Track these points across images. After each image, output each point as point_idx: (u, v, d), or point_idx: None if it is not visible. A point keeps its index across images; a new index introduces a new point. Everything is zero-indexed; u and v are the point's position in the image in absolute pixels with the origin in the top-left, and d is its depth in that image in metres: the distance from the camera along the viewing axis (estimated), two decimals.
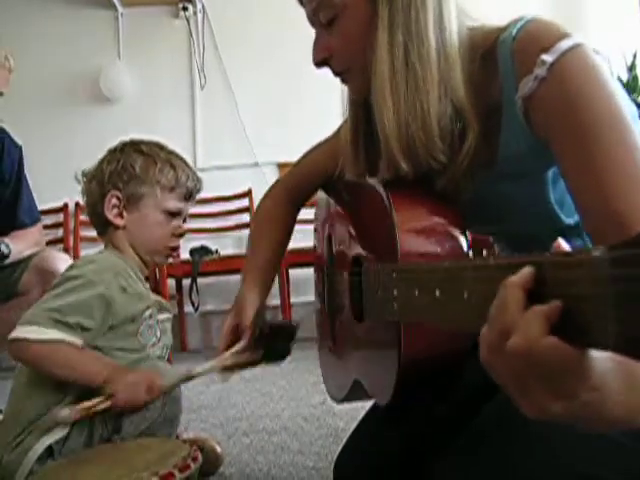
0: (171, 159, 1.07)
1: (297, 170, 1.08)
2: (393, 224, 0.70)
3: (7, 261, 1.68)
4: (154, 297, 1.08)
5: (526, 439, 0.58)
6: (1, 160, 1.79)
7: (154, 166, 1.04)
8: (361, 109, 0.82)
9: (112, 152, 1.07)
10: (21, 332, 0.91)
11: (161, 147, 1.09)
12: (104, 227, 1.06)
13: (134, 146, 1.07)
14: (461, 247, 0.70)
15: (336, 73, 0.82)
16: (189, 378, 0.92)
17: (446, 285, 0.49)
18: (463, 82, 0.72)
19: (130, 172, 1.03)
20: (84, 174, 1.09)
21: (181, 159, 1.10)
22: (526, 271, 0.38)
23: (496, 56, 0.71)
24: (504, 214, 0.76)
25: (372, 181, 0.80)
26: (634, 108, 0.68)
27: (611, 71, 0.66)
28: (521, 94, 0.67)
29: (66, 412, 0.85)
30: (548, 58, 0.64)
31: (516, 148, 0.71)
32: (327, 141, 1.03)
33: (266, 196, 1.09)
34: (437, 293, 0.50)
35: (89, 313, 0.94)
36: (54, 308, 0.93)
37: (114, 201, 1.03)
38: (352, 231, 0.90)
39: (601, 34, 2.95)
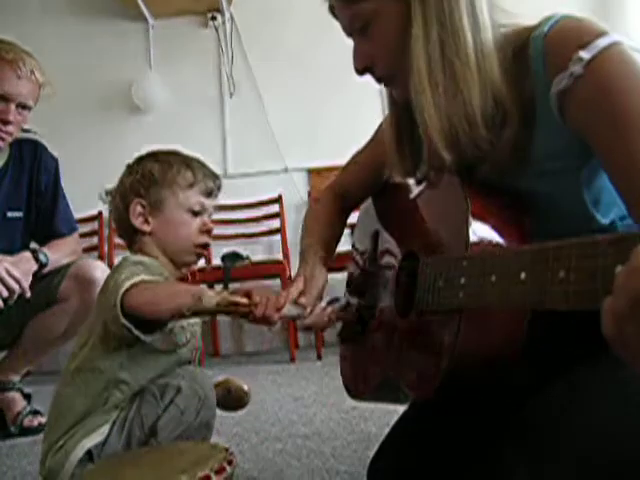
0: (186, 160, 1.10)
1: (343, 176, 1.10)
2: (466, 214, 0.69)
3: (45, 270, 1.73)
4: None
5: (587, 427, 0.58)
6: (38, 173, 1.84)
7: (170, 169, 1.07)
8: (402, 109, 0.83)
9: (130, 166, 1.11)
10: (127, 283, 0.92)
11: (177, 153, 1.12)
12: (133, 236, 1.08)
13: (150, 156, 1.11)
14: (528, 239, 0.70)
15: (379, 79, 0.82)
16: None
17: (537, 266, 0.49)
18: (500, 75, 0.72)
19: (149, 178, 1.06)
20: (107, 193, 1.12)
21: (197, 160, 1.12)
22: None
23: (528, 53, 0.71)
24: (541, 213, 0.75)
25: (439, 176, 0.81)
26: None
27: None
28: (556, 90, 0.67)
29: (212, 295, 0.86)
30: (585, 55, 0.64)
31: (551, 145, 0.71)
32: (368, 145, 1.04)
33: (316, 201, 1.11)
34: (522, 276, 0.50)
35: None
36: (134, 269, 0.96)
37: (138, 209, 1.06)
38: (405, 228, 0.90)
39: None
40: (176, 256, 1.08)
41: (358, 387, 1.00)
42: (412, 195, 0.90)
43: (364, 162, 1.05)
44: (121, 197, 1.08)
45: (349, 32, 0.82)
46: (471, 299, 0.60)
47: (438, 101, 0.73)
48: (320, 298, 0.94)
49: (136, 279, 0.93)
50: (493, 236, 0.70)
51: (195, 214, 1.08)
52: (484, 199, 0.74)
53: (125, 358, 0.97)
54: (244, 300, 0.86)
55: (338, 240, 1.08)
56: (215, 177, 1.12)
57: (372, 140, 1.04)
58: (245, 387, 1.17)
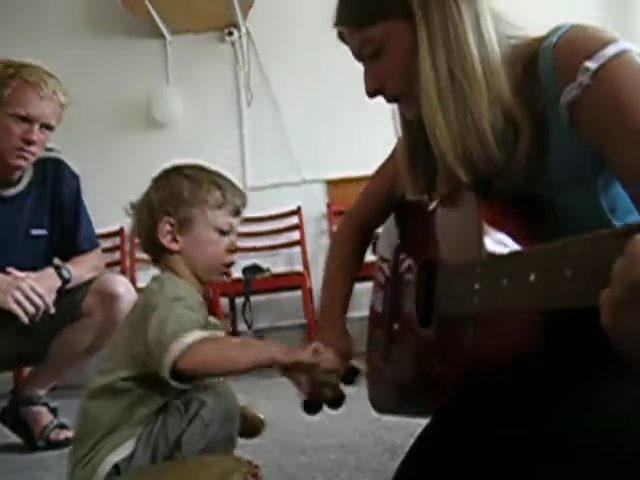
0: (215, 179, 1.09)
1: (362, 205, 1.11)
2: (480, 224, 0.70)
3: (69, 286, 1.75)
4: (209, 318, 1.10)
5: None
6: (61, 191, 1.87)
7: (200, 188, 1.06)
8: (416, 129, 0.83)
9: (157, 180, 1.10)
10: (177, 345, 0.90)
11: (203, 169, 1.11)
12: (159, 254, 1.08)
13: (178, 172, 1.09)
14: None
15: (390, 100, 0.83)
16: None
17: (544, 266, 0.49)
18: (510, 88, 0.72)
19: (178, 197, 1.05)
20: (132, 206, 1.11)
21: (224, 178, 1.12)
22: None
23: (538, 65, 0.71)
24: (558, 221, 0.75)
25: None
26: None
27: None
28: (565, 101, 0.67)
29: (284, 356, 0.88)
30: (592, 65, 0.64)
31: (565, 156, 0.71)
32: (383, 167, 1.05)
33: (335, 237, 1.14)
34: (531, 277, 0.50)
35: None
36: (180, 314, 0.94)
37: (167, 227, 1.05)
38: (424, 238, 0.90)
39: None
40: (204, 274, 1.08)
41: (382, 400, 1.00)
42: (430, 206, 0.91)
43: (380, 190, 1.06)
44: (149, 213, 1.07)
45: (359, 57, 0.83)
46: (485, 304, 0.60)
47: (449, 122, 0.73)
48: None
49: (187, 339, 0.90)
50: (510, 244, 0.70)
51: (223, 233, 1.08)
52: (500, 209, 0.74)
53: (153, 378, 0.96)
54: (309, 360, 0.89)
55: (353, 285, 1.11)
56: (242, 195, 1.12)
57: (386, 164, 1.04)
58: (261, 416, 1.16)
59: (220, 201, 1.07)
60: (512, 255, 0.59)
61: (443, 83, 0.73)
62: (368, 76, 0.82)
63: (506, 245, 0.70)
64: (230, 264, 1.11)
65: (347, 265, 1.11)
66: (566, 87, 0.67)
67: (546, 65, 0.70)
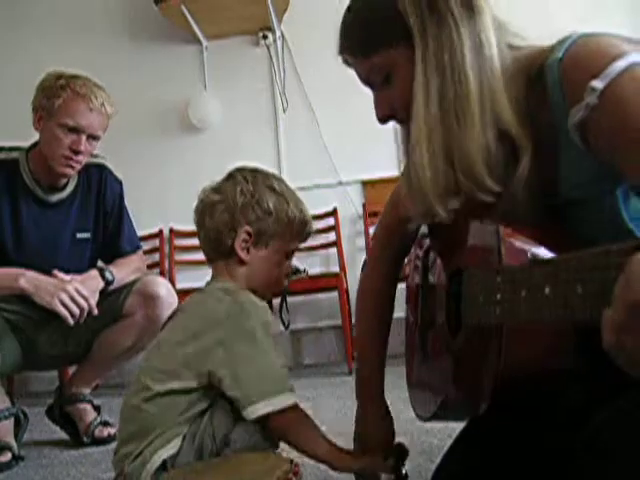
0: (299, 202, 1.07)
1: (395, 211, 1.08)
2: (497, 230, 0.69)
3: (111, 287, 1.81)
4: None
5: None
6: (104, 195, 1.93)
7: (287, 207, 1.03)
8: None
9: (241, 181, 1.04)
10: (278, 402, 0.94)
11: (286, 184, 1.09)
12: (223, 256, 1.04)
13: (264, 179, 1.05)
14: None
15: (401, 122, 0.82)
16: None
17: (558, 280, 0.48)
18: (510, 107, 0.70)
19: (264, 209, 1.01)
20: (205, 191, 1.06)
21: (302, 201, 1.09)
22: None
23: (545, 81, 0.69)
24: (577, 236, 0.73)
25: None
26: None
27: None
28: (573, 122, 0.65)
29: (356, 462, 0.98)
30: (598, 85, 0.62)
31: (578, 173, 0.69)
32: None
33: (372, 253, 1.12)
34: (547, 290, 0.49)
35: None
36: (267, 374, 0.95)
37: (245, 236, 1.01)
38: (452, 245, 0.90)
39: None
40: (259, 291, 1.05)
41: (421, 411, 1.00)
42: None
43: (400, 212, 1.04)
44: (230, 214, 1.01)
45: (367, 84, 0.82)
46: (506, 315, 0.60)
47: (432, 154, 0.71)
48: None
49: (287, 402, 0.94)
50: (530, 253, 0.69)
51: (288, 257, 1.07)
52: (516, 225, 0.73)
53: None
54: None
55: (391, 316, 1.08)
56: (311, 220, 1.09)
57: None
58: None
59: (299, 227, 1.05)
60: (529, 267, 0.57)
61: (432, 108, 0.71)
62: (378, 102, 0.82)
63: (526, 254, 0.69)
64: (283, 288, 1.10)
65: (381, 311, 1.07)
66: (574, 107, 0.65)
67: (553, 81, 0.68)
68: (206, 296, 1.03)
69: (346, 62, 0.84)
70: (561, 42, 0.68)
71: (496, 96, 0.70)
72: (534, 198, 0.72)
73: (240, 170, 1.07)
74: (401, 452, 1.00)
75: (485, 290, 0.66)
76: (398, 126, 0.86)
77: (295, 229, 1.05)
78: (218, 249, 1.04)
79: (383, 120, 0.82)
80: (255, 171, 1.07)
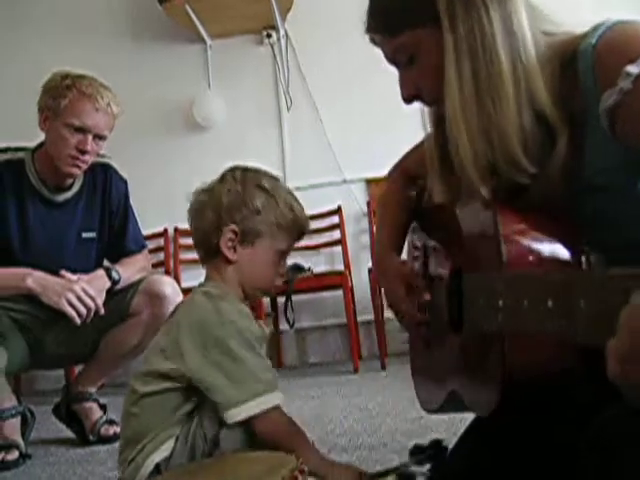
0: (291, 201, 1.05)
1: (412, 159, 1.09)
2: (498, 233, 0.69)
3: (117, 287, 1.81)
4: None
5: None
6: (110, 195, 1.94)
7: (276, 207, 1.02)
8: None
9: (230, 181, 1.04)
10: (257, 406, 0.94)
11: (279, 183, 1.07)
12: (212, 256, 1.05)
13: (254, 178, 1.04)
14: (568, 257, 0.69)
15: (429, 105, 0.83)
16: None
17: (561, 295, 0.48)
18: (545, 88, 0.70)
19: (250, 208, 1.01)
20: (196, 192, 1.07)
21: (297, 199, 1.08)
22: None
23: (576, 67, 0.69)
24: (596, 227, 0.73)
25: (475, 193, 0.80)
26: None
27: None
28: (605, 106, 0.65)
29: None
30: (634, 70, 0.62)
31: (604, 160, 0.69)
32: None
33: (387, 183, 1.14)
34: (549, 304, 0.48)
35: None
36: (240, 380, 0.94)
37: (230, 235, 1.01)
38: (452, 245, 0.90)
39: None
40: (251, 291, 1.06)
41: (427, 404, 1.00)
42: (456, 211, 0.90)
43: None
44: (215, 215, 1.02)
45: (393, 63, 0.83)
46: (509, 323, 0.59)
47: (471, 135, 0.72)
48: None
49: (267, 404, 0.94)
50: (539, 251, 0.69)
51: (281, 255, 1.06)
52: (528, 215, 0.73)
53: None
54: None
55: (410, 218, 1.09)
56: (308, 219, 1.09)
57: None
58: None
59: (290, 225, 1.04)
60: (534, 276, 0.57)
61: (467, 90, 0.71)
62: (403, 82, 0.82)
63: (535, 255, 0.68)
64: (273, 288, 1.09)
65: (403, 200, 1.08)
66: (606, 92, 0.65)
67: (585, 66, 0.68)
68: (190, 301, 1.03)
69: (373, 41, 0.84)
70: (595, 28, 0.69)
71: (531, 76, 0.70)
72: (567, 182, 0.72)
73: (232, 170, 1.07)
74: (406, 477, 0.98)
75: (486, 294, 0.66)
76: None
77: (285, 228, 1.04)
78: (207, 249, 1.05)
79: (408, 100, 0.83)
80: (247, 170, 1.07)
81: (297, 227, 1.06)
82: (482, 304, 0.68)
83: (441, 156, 0.84)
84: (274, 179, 1.07)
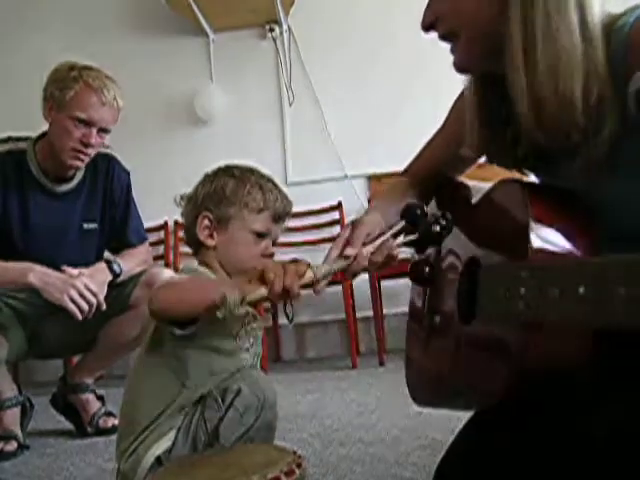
0: (260, 182, 1.09)
1: (418, 164, 1.09)
2: (527, 220, 0.67)
3: (119, 279, 1.81)
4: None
5: None
6: (112, 186, 1.94)
7: (243, 188, 1.07)
8: (490, 84, 0.81)
9: (207, 176, 1.11)
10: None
11: (253, 171, 1.11)
12: (197, 247, 1.10)
13: (227, 170, 1.11)
14: (594, 246, 0.67)
15: (441, 37, 0.80)
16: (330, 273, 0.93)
17: (594, 282, 0.46)
18: (606, 64, 0.68)
19: (220, 195, 1.07)
20: (182, 198, 1.13)
21: (272, 182, 1.12)
22: None
23: (609, 45, 0.67)
24: (623, 215, 0.71)
25: (500, 180, 0.79)
26: None
27: None
28: (634, 88, 0.63)
29: (235, 297, 0.83)
30: None
31: (631, 143, 0.68)
32: (440, 132, 1.03)
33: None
34: (581, 290, 0.47)
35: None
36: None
37: (205, 222, 1.07)
38: (468, 233, 0.89)
39: None
40: (235, 274, 1.08)
41: (423, 394, 1.00)
42: (475, 199, 0.89)
43: (436, 153, 1.04)
44: (193, 207, 1.09)
45: None
46: (531, 312, 0.58)
47: (532, 82, 0.69)
48: (367, 243, 0.92)
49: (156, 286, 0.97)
50: (560, 240, 0.67)
51: (260, 237, 1.08)
52: (553, 201, 0.72)
53: (184, 360, 0.99)
54: (262, 291, 0.84)
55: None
56: (287, 202, 1.11)
57: (444, 125, 1.02)
58: None
59: (260, 205, 1.07)
60: (562, 263, 0.56)
61: (533, 41, 0.69)
62: (428, 9, 0.80)
63: (558, 243, 0.67)
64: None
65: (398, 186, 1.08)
66: (636, 73, 0.63)
67: (618, 46, 0.66)
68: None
69: None
70: (633, 8, 0.67)
71: (596, 46, 0.68)
72: (602, 167, 0.70)
73: (214, 168, 1.13)
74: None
75: (507, 282, 0.64)
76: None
77: (254, 209, 1.07)
78: (192, 241, 1.11)
79: (426, 28, 0.80)
80: (227, 165, 1.13)
81: (270, 207, 1.08)
82: (500, 291, 0.66)
83: (481, 116, 0.83)
84: (249, 169, 1.12)
